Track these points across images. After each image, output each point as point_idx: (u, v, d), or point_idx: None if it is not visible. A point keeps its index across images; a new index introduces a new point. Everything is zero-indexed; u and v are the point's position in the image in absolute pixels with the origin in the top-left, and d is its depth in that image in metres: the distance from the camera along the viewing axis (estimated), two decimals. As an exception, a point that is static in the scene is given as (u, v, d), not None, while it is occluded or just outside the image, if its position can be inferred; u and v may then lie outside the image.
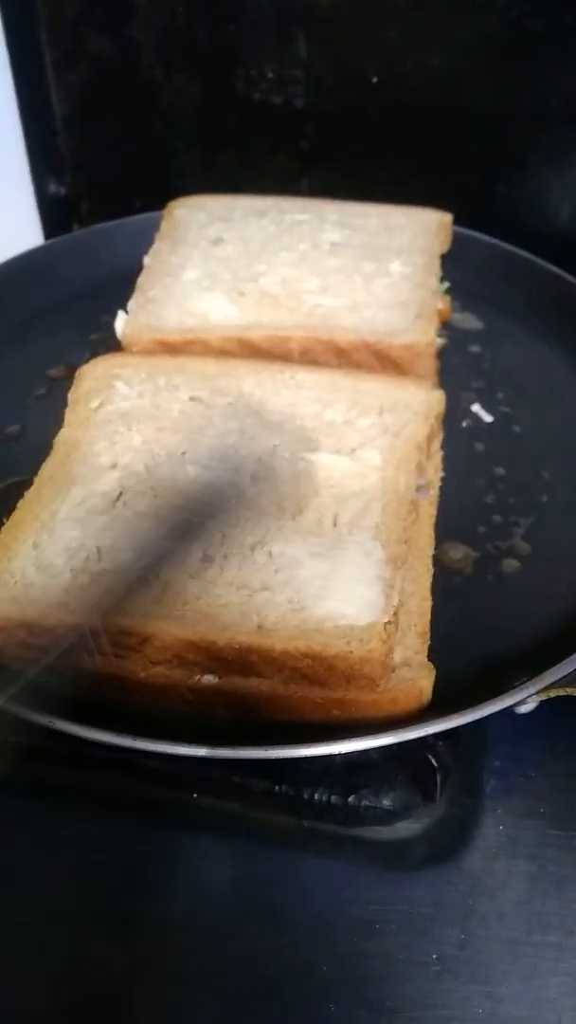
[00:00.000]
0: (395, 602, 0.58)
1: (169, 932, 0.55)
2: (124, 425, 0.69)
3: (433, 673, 0.58)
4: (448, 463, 0.74)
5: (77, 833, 0.59)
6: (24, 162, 1.09)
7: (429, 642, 0.61)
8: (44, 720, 0.55)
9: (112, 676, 0.57)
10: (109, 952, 0.55)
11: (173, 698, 0.58)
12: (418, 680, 0.58)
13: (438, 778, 0.60)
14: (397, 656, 0.59)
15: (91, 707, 0.57)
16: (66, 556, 0.60)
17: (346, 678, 0.55)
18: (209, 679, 0.57)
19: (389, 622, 0.56)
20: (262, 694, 0.56)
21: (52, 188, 1.13)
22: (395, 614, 0.58)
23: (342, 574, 0.59)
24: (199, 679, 0.57)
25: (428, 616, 0.62)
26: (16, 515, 0.63)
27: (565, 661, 0.58)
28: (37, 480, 0.66)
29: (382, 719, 0.57)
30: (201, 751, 0.53)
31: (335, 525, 0.62)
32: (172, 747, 0.54)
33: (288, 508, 0.63)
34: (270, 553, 0.60)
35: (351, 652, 0.55)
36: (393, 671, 0.58)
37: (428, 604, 0.63)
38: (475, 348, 0.90)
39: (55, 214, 1.14)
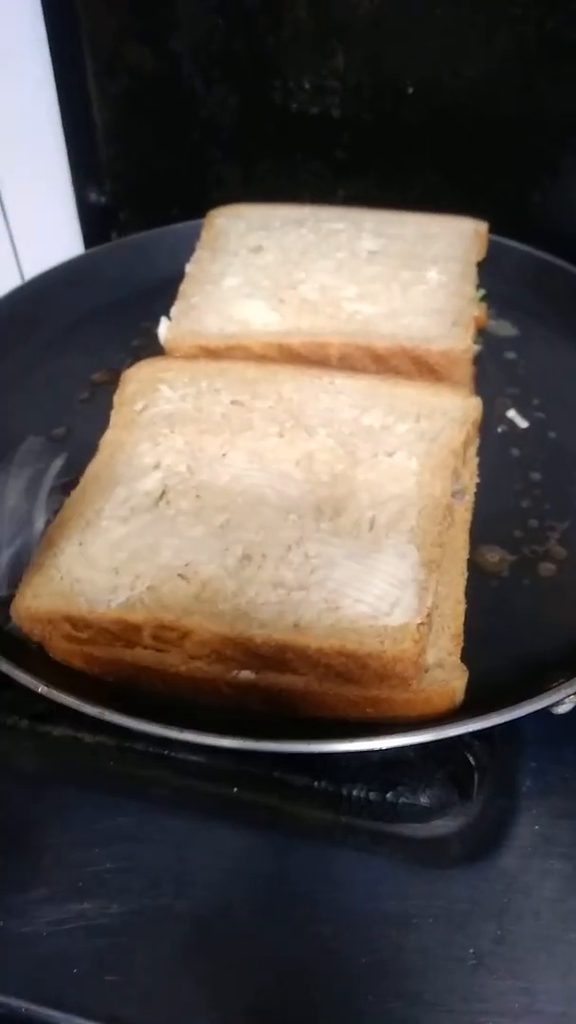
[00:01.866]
0: (429, 604, 0.59)
1: (208, 923, 0.56)
2: (167, 427, 0.70)
3: (466, 675, 0.59)
4: (484, 468, 0.75)
5: (117, 825, 0.60)
6: (65, 171, 1.12)
7: (463, 644, 0.62)
8: (95, 712, 0.56)
9: (154, 670, 0.59)
10: (149, 942, 0.56)
11: (212, 692, 0.59)
12: (451, 681, 0.59)
13: (475, 777, 0.61)
14: (430, 657, 0.60)
15: (134, 701, 0.59)
16: (110, 553, 0.61)
17: (379, 677, 0.56)
18: (246, 674, 0.58)
19: (422, 623, 0.57)
20: (297, 690, 0.58)
21: (92, 196, 1.15)
22: (429, 615, 0.59)
23: (377, 575, 0.60)
24: (237, 674, 0.58)
25: (462, 618, 0.63)
26: (62, 513, 0.65)
27: (602, 663, 0.58)
28: (83, 480, 0.67)
29: (415, 718, 0.58)
30: (245, 744, 0.55)
31: (371, 528, 0.63)
32: (218, 739, 0.55)
33: (325, 510, 0.64)
34: (307, 554, 0.61)
35: (384, 651, 0.56)
36: (426, 671, 0.59)
37: (462, 607, 0.64)
38: (511, 355, 0.90)
39: (95, 222, 1.16)
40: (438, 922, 0.56)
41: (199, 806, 0.62)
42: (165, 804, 0.62)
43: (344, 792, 0.61)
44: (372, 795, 0.60)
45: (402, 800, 0.60)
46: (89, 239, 1.16)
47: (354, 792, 0.60)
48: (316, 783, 0.61)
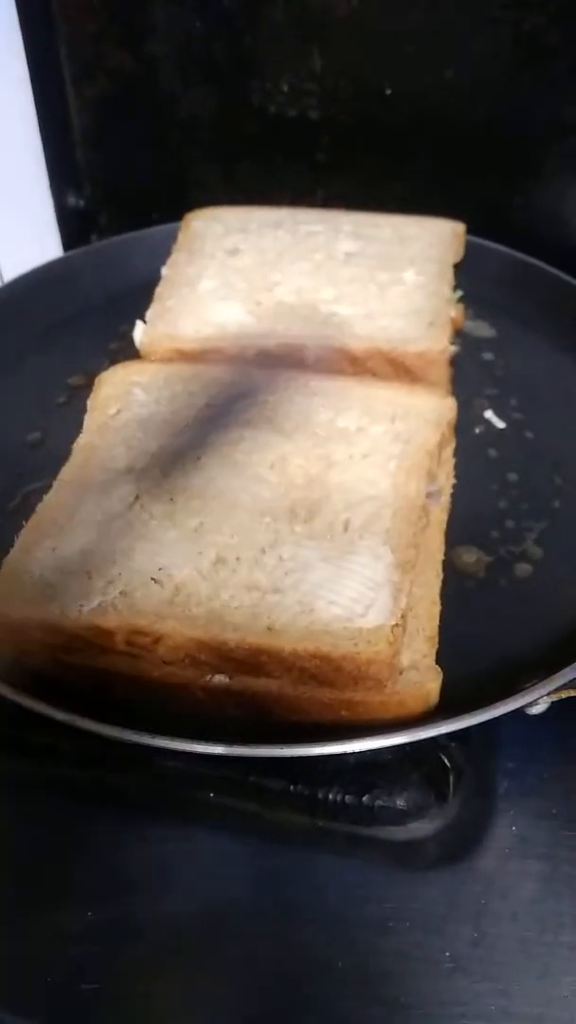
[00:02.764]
0: (403, 605, 0.59)
1: (185, 930, 0.56)
2: (141, 431, 0.70)
3: (440, 676, 0.59)
4: (461, 469, 0.75)
5: (92, 832, 0.60)
6: (43, 175, 1.11)
7: (438, 645, 0.61)
8: (65, 718, 0.56)
9: (127, 675, 0.58)
10: (125, 950, 0.55)
11: (186, 697, 0.59)
12: (425, 683, 0.58)
13: (451, 779, 0.61)
14: (405, 659, 0.59)
15: (108, 707, 0.58)
16: (82, 558, 0.61)
17: (354, 679, 0.56)
18: (220, 679, 0.58)
19: (397, 625, 0.57)
20: (272, 694, 0.57)
21: (71, 200, 1.15)
22: (403, 617, 0.58)
23: (351, 577, 0.60)
24: (211, 679, 0.58)
25: (437, 620, 0.63)
26: (35, 518, 0.64)
27: (576, 663, 0.58)
28: (56, 484, 0.67)
29: (390, 721, 0.57)
30: (218, 749, 0.54)
31: (346, 530, 0.63)
32: (190, 745, 0.55)
33: (300, 513, 0.64)
34: (281, 556, 0.61)
35: (359, 653, 0.55)
36: (401, 673, 0.58)
37: (437, 608, 0.63)
38: (488, 355, 0.90)
39: (74, 226, 1.16)
40: (415, 925, 0.56)
41: (176, 812, 0.61)
42: (141, 810, 0.61)
43: (320, 796, 0.60)
44: (348, 798, 0.60)
45: (378, 803, 0.60)
46: (69, 244, 1.15)
47: (330, 795, 0.60)
48: (292, 787, 0.61)
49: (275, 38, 0.98)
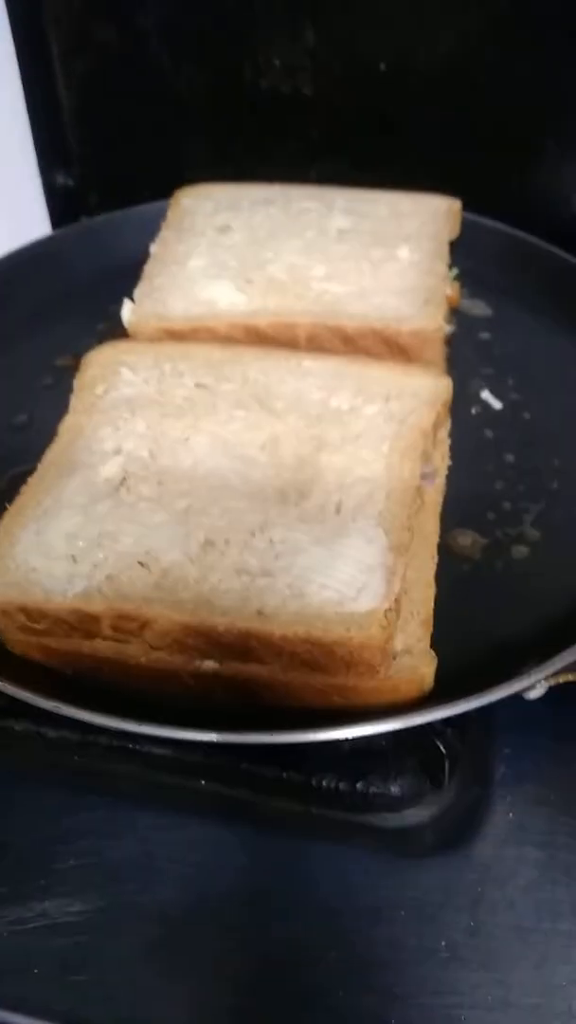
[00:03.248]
0: (396, 589, 0.57)
1: (176, 920, 0.55)
2: (128, 411, 0.69)
3: (435, 661, 0.58)
4: (458, 450, 0.73)
5: (80, 821, 0.59)
6: (31, 153, 1.09)
7: (433, 629, 0.60)
8: (49, 705, 0.55)
9: (113, 661, 0.57)
10: (114, 941, 0.54)
11: (175, 683, 0.57)
12: (419, 668, 0.57)
13: (447, 765, 0.60)
14: (399, 643, 0.58)
15: (95, 693, 0.57)
16: (67, 541, 0.60)
17: (346, 664, 0.55)
18: (210, 664, 0.56)
19: (390, 609, 0.56)
20: (262, 680, 0.56)
21: (60, 180, 1.13)
22: (397, 601, 0.57)
23: (343, 560, 0.58)
24: (200, 664, 0.57)
25: (431, 603, 0.62)
26: (19, 501, 0.63)
27: (574, 647, 0.57)
28: (40, 466, 0.66)
29: (383, 706, 0.56)
30: (211, 736, 0.53)
31: (338, 512, 0.62)
32: (181, 732, 0.54)
33: (291, 495, 0.63)
34: (271, 539, 0.60)
35: (351, 638, 0.54)
36: (394, 658, 0.57)
37: (432, 591, 0.62)
38: (485, 335, 0.89)
39: (63, 206, 1.14)
40: (410, 914, 0.55)
41: (166, 800, 0.60)
42: (130, 798, 0.60)
43: (313, 783, 0.59)
44: (342, 785, 0.59)
45: (372, 790, 0.59)
46: (57, 224, 1.13)
47: (323, 783, 0.59)
48: (284, 774, 0.60)
49: (267, 12, 0.96)
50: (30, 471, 0.66)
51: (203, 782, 0.60)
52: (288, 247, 0.85)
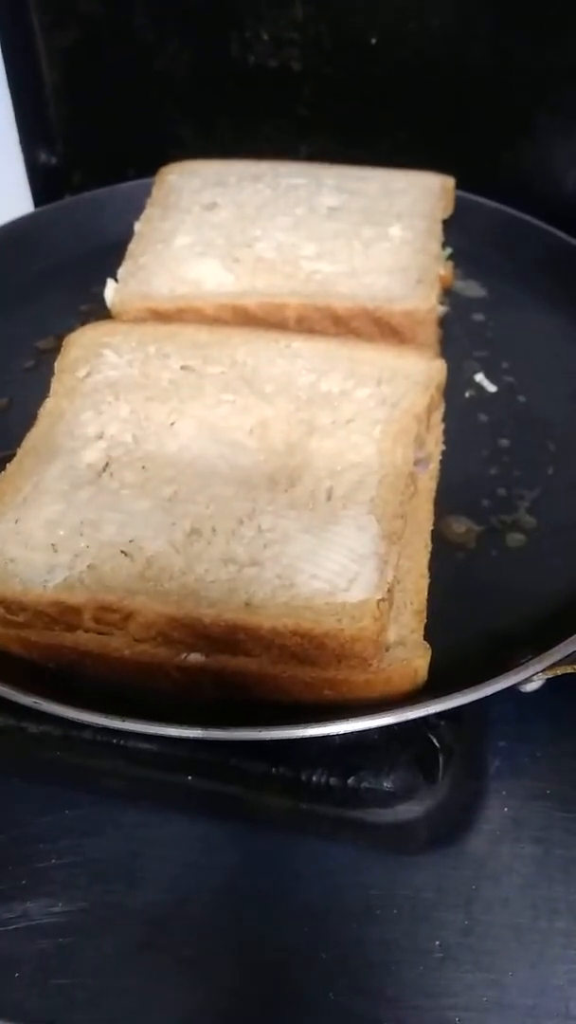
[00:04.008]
0: (389, 579, 0.56)
1: (162, 920, 0.54)
2: (112, 395, 0.67)
3: (429, 653, 0.57)
4: (451, 434, 0.72)
5: (64, 818, 0.58)
6: (13, 131, 1.07)
7: (426, 620, 0.59)
8: (28, 701, 0.53)
9: (96, 654, 0.55)
10: (97, 942, 0.53)
11: (160, 677, 0.56)
12: (413, 660, 0.56)
13: (440, 759, 0.59)
14: (392, 635, 0.57)
15: (81, 687, 0.56)
16: (48, 530, 0.58)
17: (337, 657, 0.54)
18: (196, 657, 0.55)
19: (383, 599, 0.55)
20: (250, 673, 0.55)
21: (43, 158, 1.11)
22: (390, 591, 0.56)
23: (334, 549, 0.57)
24: (185, 657, 0.55)
25: (425, 594, 0.60)
26: (-3, 488, 0.61)
27: (572, 638, 0.56)
28: (20, 451, 0.64)
29: (375, 700, 0.55)
30: (195, 732, 0.52)
31: (329, 499, 0.60)
32: (165, 728, 0.52)
33: (280, 481, 0.61)
34: (260, 527, 0.58)
35: (342, 630, 0.53)
36: (387, 650, 0.56)
37: (425, 581, 0.61)
38: (479, 316, 0.87)
39: (46, 185, 1.12)
40: (403, 913, 0.54)
41: (152, 796, 0.59)
42: (116, 795, 0.59)
43: (303, 778, 0.58)
44: (333, 780, 0.58)
45: (364, 785, 0.58)
46: (40, 203, 1.11)
47: (314, 778, 0.58)
48: (274, 769, 0.58)
49: (253, -17, 0.94)
50: (9, 457, 0.65)
51: (190, 778, 0.59)
52: (277, 225, 0.83)
